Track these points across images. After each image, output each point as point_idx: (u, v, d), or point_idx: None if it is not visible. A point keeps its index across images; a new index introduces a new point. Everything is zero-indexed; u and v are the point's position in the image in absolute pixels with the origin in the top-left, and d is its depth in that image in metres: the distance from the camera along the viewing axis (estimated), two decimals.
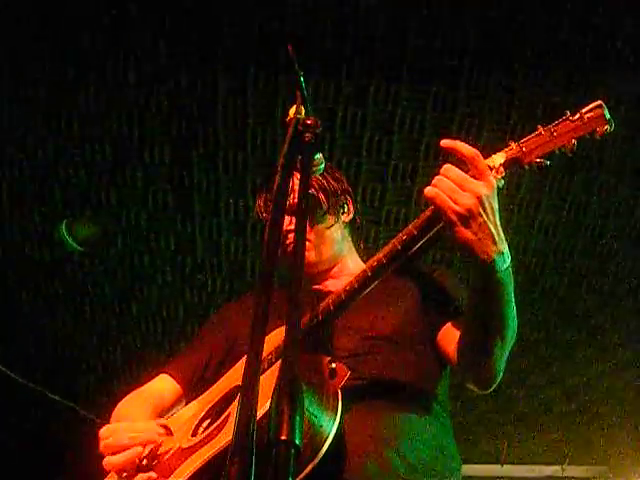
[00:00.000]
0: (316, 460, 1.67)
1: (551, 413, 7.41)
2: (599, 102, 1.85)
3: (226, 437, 1.80)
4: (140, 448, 2.02)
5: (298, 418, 1.05)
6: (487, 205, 1.76)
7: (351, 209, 2.60)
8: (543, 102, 4.33)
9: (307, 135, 1.81)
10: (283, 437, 1.03)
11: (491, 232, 1.77)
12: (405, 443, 2.00)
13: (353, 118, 4.56)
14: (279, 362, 1.26)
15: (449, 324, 2.22)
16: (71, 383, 6.47)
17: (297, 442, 1.03)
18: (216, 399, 2.16)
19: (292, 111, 1.84)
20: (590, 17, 4.03)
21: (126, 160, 4.78)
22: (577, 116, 1.84)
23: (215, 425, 1.94)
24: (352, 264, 2.56)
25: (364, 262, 2.48)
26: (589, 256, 5.63)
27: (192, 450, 1.93)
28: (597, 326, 6.28)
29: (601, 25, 4.06)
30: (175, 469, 1.92)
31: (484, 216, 1.76)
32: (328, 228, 2.49)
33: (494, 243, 1.78)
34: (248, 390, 1.12)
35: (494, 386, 2.11)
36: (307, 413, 1.58)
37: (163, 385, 2.41)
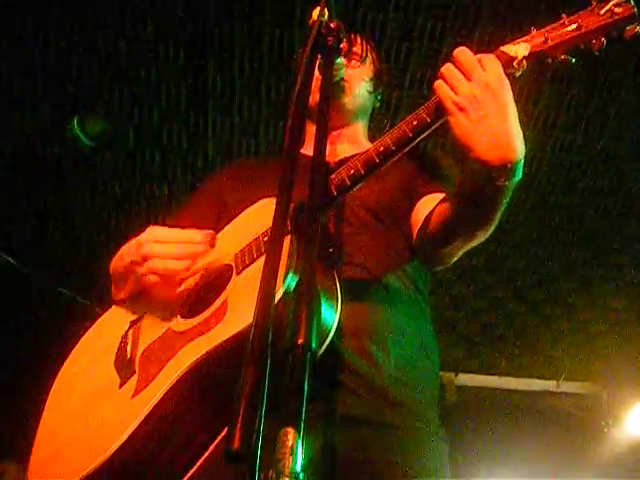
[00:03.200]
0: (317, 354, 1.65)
1: (550, 329, 7.50)
2: None
3: (227, 330, 1.69)
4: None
5: (315, 322, 1.06)
6: (491, 98, 1.62)
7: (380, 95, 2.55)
8: None
9: (330, 39, 1.78)
10: (300, 341, 1.03)
11: (494, 130, 1.62)
12: (389, 338, 1.96)
13: None
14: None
15: (427, 197, 2.12)
16: (75, 279, 6.52)
17: (313, 346, 1.04)
18: (205, 273, 2.01)
19: (315, 13, 1.80)
20: None
21: (140, 56, 4.71)
22: (605, 9, 1.68)
23: (211, 311, 1.82)
24: (363, 137, 2.49)
25: (370, 139, 2.48)
26: (602, 177, 5.60)
27: (187, 337, 1.81)
28: (604, 246, 6.29)
29: None
30: (169, 358, 1.80)
31: (487, 109, 1.62)
32: (364, 80, 2.42)
33: (500, 145, 1.63)
34: (267, 295, 1.12)
35: (439, 268, 2.12)
36: None
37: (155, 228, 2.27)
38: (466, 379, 8.11)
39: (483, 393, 8.17)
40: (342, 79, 2.26)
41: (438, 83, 1.70)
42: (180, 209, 2.49)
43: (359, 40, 2.44)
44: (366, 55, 2.44)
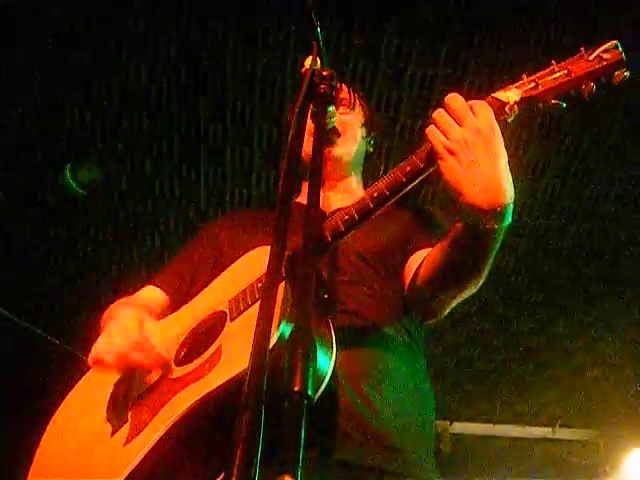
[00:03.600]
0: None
1: (545, 375, 7.48)
2: (615, 42, 1.72)
3: (221, 375, 1.68)
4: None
5: (311, 369, 1.05)
6: (482, 143, 1.64)
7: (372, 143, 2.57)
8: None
9: (322, 87, 1.79)
10: (297, 388, 1.03)
11: (484, 175, 1.64)
12: (385, 383, 1.95)
13: None
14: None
15: (420, 252, 2.11)
16: (67, 326, 6.48)
17: (310, 393, 1.03)
18: (199, 320, 2.02)
19: (308, 62, 1.82)
20: None
21: (133, 103, 4.74)
22: (594, 55, 1.71)
23: (205, 357, 1.82)
24: (358, 187, 2.49)
25: (364, 186, 2.49)
26: (592, 221, 5.64)
27: (181, 383, 1.80)
28: (597, 291, 6.31)
29: None
30: (164, 403, 1.79)
31: (478, 154, 1.64)
32: (357, 126, 2.44)
33: (489, 190, 1.64)
34: (262, 340, 1.12)
35: (431, 322, 2.12)
36: None
37: (151, 294, 2.30)
38: (461, 427, 8.05)
39: (478, 441, 8.11)
40: (335, 127, 2.27)
41: (430, 128, 1.71)
42: (177, 256, 2.50)
43: (345, 88, 2.47)
44: (354, 101, 2.48)
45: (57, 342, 6.46)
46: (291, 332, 1.10)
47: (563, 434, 8.20)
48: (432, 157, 1.75)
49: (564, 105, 1.76)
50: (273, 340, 1.49)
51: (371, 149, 2.57)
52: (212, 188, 5.38)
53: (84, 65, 4.47)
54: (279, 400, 1.03)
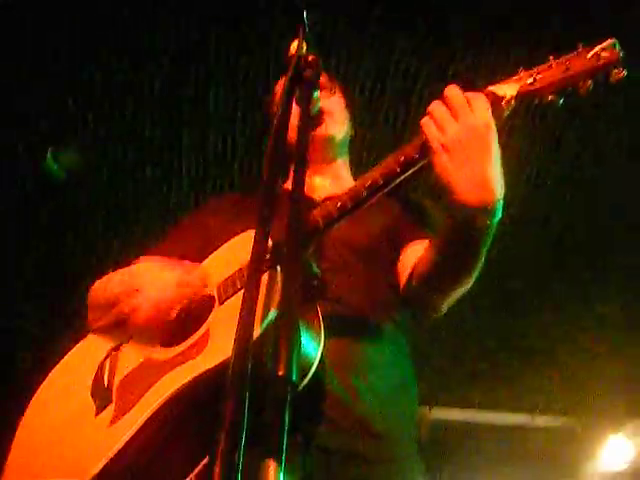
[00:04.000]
0: (298, 389, 1.63)
1: (525, 363, 7.51)
2: (613, 40, 1.73)
3: (208, 360, 1.70)
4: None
5: (295, 355, 1.05)
6: (477, 142, 1.66)
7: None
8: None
9: (308, 72, 1.79)
10: (280, 373, 1.03)
11: (476, 173, 1.66)
12: (371, 372, 1.97)
13: None
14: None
15: (412, 245, 2.15)
16: (46, 314, 6.44)
17: (294, 379, 1.03)
18: (186, 302, 2.00)
19: (294, 47, 1.81)
20: None
21: (115, 89, 4.71)
22: (592, 53, 1.73)
23: (193, 340, 1.83)
24: (346, 172, 2.51)
25: (355, 178, 2.47)
26: (577, 211, 5.67)
27: (168, 365, 1.81)
28: (579, 280, 6.34)
29: None
30: (151, 384, 1.79)
31: (472, 152, 1.66)
32: (340, 109, 2.45)
33: (480, 188, 1.66)
34: (246, 328, 1.12)
35: (432, 318, 2.14)
36: None
37: (148, 262, 2.21)
38: (440, 413, 8.08)
39: (457, 427, 8.14)
40: (320, 110, 2.28)
41: (425, 121, 1.73)
42: (165, 239, 2.49)
43: (324, 74, 2.47)
44: (334, 86, 2.49)
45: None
46: (275, 318, 1.10)
47: (541, 421, 8.25)
48: (426, 149, 1.76)
49: (561, 101, 1.78)
50: (258, 331, 1.49)
51: (354, 133, 2.56)
52: (194, 174, 5.35)
53: (67, 50, 4.43)
54: (263, 385, 1.03)
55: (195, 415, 1.69)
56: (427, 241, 2.06)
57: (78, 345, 2.23)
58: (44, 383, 2.18)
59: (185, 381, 1.69)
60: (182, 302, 1.93)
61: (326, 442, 1.81)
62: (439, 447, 7.57)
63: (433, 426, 7.94)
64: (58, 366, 2.21)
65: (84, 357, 2.15)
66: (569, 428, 8.22)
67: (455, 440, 7.97)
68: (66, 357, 2.22)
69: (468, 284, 1.96)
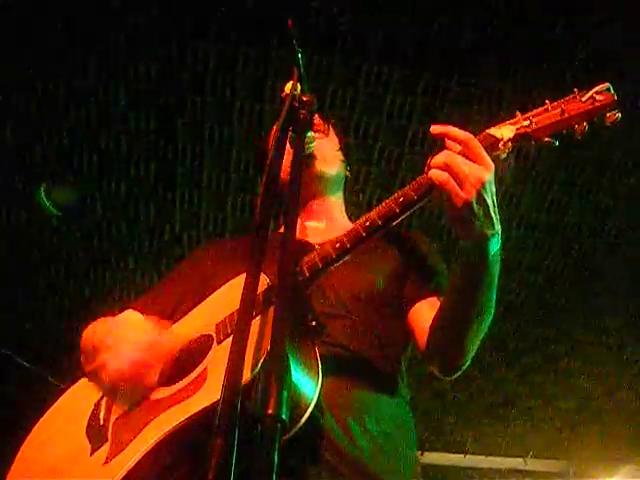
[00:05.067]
0: (295, 429, 1.62)
1: (516, 407, 7.49)
2: (607, 84, 1.80)
3: (205, 398, 1.70)
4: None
5: (285, 393, 1.05)
6: (488, 189, 1.70)
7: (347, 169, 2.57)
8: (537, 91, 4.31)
9: (302, 112, 1.80)
10: (270, 411, 1.02)
11: (490, 215, 1.73)
12: (368, 415, 1.95)
13: None
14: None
15: (424, 302, 2.17)
16: (39, 350, 6.40)
17: (284, 417, 1.02)
18: (185, 342, 2.03)
19: (288, 87, 1.83)
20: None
21: (110, 124, 4.73)
22: (587, 96, 1.78)
23: (190, 379, 1.84)
24: (339, 212, 2.50)
25: (350, 219, 2.49)
26: (565, 254, 5.69)
27: (164, 404, 1.82)
28: (568, 322, 6.35)
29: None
30: (146, 423, 1.80)
31: (486, 200, 1.70)
32: (334, 150, 2.46)
33: (492, 225, 1.74)
34: (235, 364, 1.12)
35: (458, 374, 2.09)
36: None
37: (131, 316, 2.19)
38: (432, 458, 8.02)
39: (449, 472, 8.08)
40: (312, 152, 2.28)
41: (442, 177, 1.71)
42: (163, 282, 2.51)
43: (317, 115, 2.48)
44: (328, 127, 2.49)
45: (27, 364, 6.38)
46: (265, 359, 1.10)
47: (534, 465, 8.20)
48: (427, 190, 1.81)
49: (556, 143, 1.82)
50: (248, 373, 1.48)
51: (348, 174, 2.57)
52: (187, 211, 5.36)
53: (62, 84, 4.46)
54: (252, 425, 1.02)
55: (190, 453, 1.68)
56: (435, 298, 2.12)
57: (73, 387, 2.23)
58: (39, 422, 2.18)
59: (182, 419, 1.69)
60: (149, 364, 1.92)
61: None
62: None
63: (424, 471, 7.86)
64: (54, 407, 2.21)
65: (80, 397, 2.15)
66: (562, 472, 8.16)
67: None
68: (61, 398, 2.23)
69: (486, 323, 1.96)
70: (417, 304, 2.18)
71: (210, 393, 1.70)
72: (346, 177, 2.56)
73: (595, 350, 6.65)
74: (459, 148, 1.72)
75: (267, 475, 0.98)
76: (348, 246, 1.85)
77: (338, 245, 1.86)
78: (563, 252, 5.70)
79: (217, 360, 1.83)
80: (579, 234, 5.52)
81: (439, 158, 1.72)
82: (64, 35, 4.17)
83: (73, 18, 4.10)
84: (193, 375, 1.84)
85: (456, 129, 1.75)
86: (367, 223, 1.85)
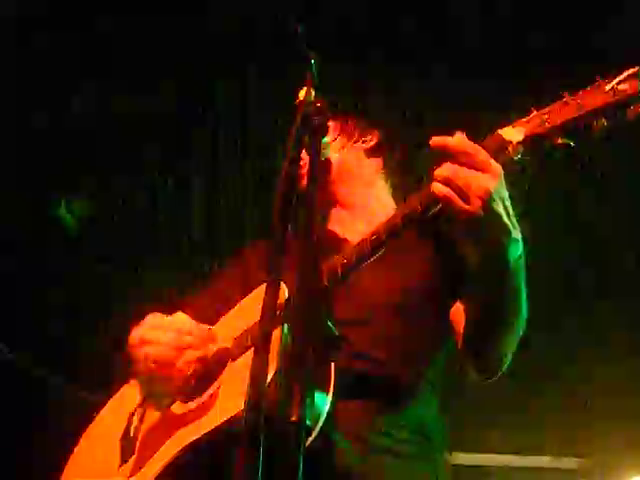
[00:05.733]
0: (309, 439, 1.61)
1: (541, 404, 7.40)
2: (635, 69, 1.58)
3: (214, 419, 1.75)
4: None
5: (309, 400, 1.05)
6: (497, 197, 1.63)
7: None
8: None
9: (316, 119, 1.80)
10: (294, 419, 1.02)
11: (503, 222, 1.66)
12: (383, 429, 1.96)
13: None
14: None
15: (458, 304, 2.11)
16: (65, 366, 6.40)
17: (308, 424, 1.03)
18: (206, 355, 2.02)
19: (302, 94, 1.82)
20: None
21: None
22: (610, 86, 1.58)
23: (205, 397, 1.88)
24: (377, 204, 2.43)
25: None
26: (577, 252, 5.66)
27: (183, 421, 1.88)
28: (596, 317, 6.28)
29: None
30: (164, 441, 1.88)
31: (496, 209, 1.64)
32: (355, 150, 2.43)
33: (506, 232, 1.68)
34: (258, 377, 1.12)
35: (492, 379, 2.10)
36: None
37: (181, 317, 2.13)
38: (455, 458, 7.93)
39: (476, 472, 8.01)
40: (328, 159, 2.27)
41: (448, 194, 1.66)
42: (204, 288, 2.50)
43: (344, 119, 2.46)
44: (353, 128, 2.46)
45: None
46: (286, 372, 1.11)
47: (562, 463, 8.10)
48: (433, 205, 1.76)
49: (572, 144, 1.68)
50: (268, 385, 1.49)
51: (386, 163, 2.51)
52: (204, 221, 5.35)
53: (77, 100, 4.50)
54: (276, 434, 1.03)
55: (203, 469, 1.78)
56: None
57: (120, 392, 2.35)
58: (89, 428, 2.36)
59: (190, 440, 1.77)
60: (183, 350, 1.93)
61: None
62: None
63: (454, 471, 7.79)
64: (101, 412, 2.38)
65: (121, 407, 2.27)
66: (588, 470, 8.06)
67: None
68: (109, 403, 2.38)
69: (519, 326, 1.94)
70: (457, 302, 2.13)
71: (216, 416, 1.76)
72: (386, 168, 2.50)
73: (624, 345, 6.56)
74: (462, 157, 1.64)
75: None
76: (353, 261, 1.86)
77: (345, 262, 1.86)
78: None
79: (229, 379, 1.86)
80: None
81: (440, 172, 1.66)
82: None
83: None
84: (208, 392, 1.89)
85: (456, 139, 1.67)
86: (373, 237, 1.85)
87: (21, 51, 4.33)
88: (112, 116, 4.71)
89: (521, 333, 1.96)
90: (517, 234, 1.72)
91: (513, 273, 1.77)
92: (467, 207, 1.62)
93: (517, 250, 1.74)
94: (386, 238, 1.83)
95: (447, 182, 1.64)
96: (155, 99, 4.59)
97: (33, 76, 4.42)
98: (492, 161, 1.65)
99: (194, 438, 1.74)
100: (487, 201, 1.61)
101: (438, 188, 1.65)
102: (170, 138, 4.79)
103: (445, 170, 1.66)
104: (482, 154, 1.64)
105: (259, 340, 1.23)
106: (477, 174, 1.62)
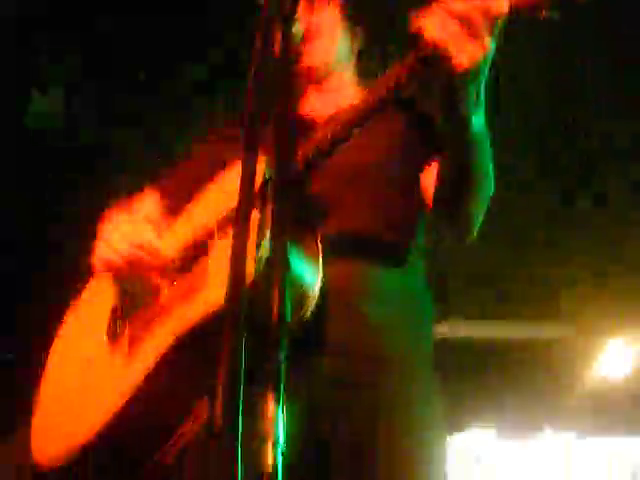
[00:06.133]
0: (301, 321, 1.67)
1: (524, 271, 7.05)
2: None
3: (206, 300, 1.75)
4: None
5: (287, 293, 1.05)
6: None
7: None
8: None
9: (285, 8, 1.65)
10: (274, 315, 1.04)
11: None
12: (374, 293, 1.97)
13: None
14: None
15: (434, 163, 2.06)
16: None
17: (287, 318, 1.05)
18: (190, 236, 2.01)
19: None
20: None
21: None
22: None
23: (192, 280, 1.88)
24: (352, 90, 2.30)
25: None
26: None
27: (172, 305, 1.89)
28: (581, 181, 5.99)
29: None
30: (156, 327, 1.90)
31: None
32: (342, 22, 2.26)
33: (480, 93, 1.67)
34: (238, 261, 1.11)
35: (468, 239, 2.09)
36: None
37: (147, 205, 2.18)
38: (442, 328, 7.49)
39: (457, 342, 7.64)
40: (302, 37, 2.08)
41: (444, 40, 1.58)
42: (176, 169, 2.44)
43: None
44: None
45: None
46: (267, 256, 1.11)
47: (539, 331, 7.76)
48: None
49: (555, 15, 1.58)
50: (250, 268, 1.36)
51: (360, 45, 2.36)
52: None
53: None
54: (260, 325, 1.04)
55: (196, 355, 1.75)
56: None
57: (94, 282, 2.31)
58: (64, 324, 2.34)
59: (184, 325, 1.77)
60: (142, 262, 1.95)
61: (333, 369, 1.83)
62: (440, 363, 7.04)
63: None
64: (74, 308, 2.36)
65: (98, 297, 2.26)
66: (568, 336, 7.73)
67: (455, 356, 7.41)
68: (80, 297, 2.36)
69: (486, 188, 1.94)
70: (428, 167, 2.10)
71: (210, 295, 1.74)
72: (356, 47, 2.35)
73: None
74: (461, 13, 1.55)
75: (275, 375, 1.01)
76: (355, 121, 1.80)
77: (334, 127, 1.80)
78: None
79: (216, 259, 1.84)
80: None
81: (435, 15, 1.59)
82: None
83: None
84: (196, 273, 1.88)
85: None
86: (373, 97, 1.80)
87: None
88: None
89: (489, 193, 1.96)
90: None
91: (482, 136, 1.78)
92: (465, 61, 1.56)
93: (482, 113, 1.73)
94: (377, 106, 1.79)
95: (445, 26, 1.57)
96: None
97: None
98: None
99: (190, 320, 1.75)
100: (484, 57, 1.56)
101: (436, 31, 1.58)
102: None
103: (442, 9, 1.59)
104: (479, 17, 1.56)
105: (237, 222, 1.18)
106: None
